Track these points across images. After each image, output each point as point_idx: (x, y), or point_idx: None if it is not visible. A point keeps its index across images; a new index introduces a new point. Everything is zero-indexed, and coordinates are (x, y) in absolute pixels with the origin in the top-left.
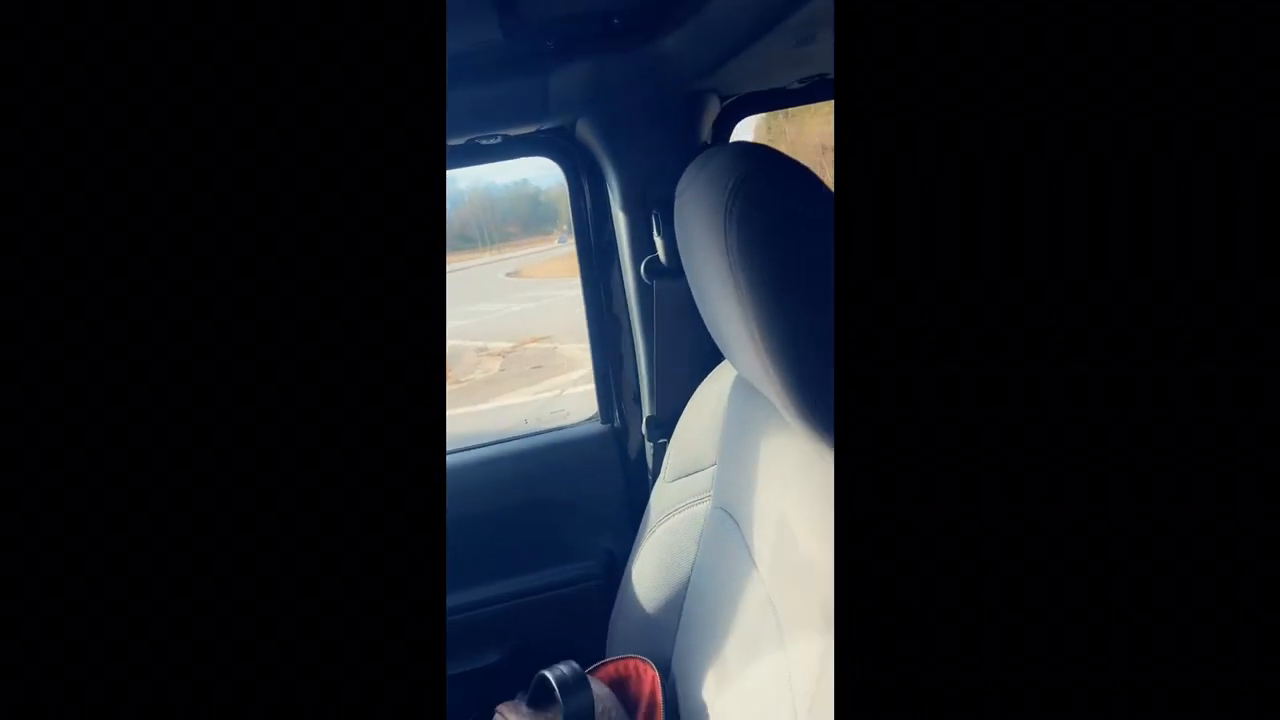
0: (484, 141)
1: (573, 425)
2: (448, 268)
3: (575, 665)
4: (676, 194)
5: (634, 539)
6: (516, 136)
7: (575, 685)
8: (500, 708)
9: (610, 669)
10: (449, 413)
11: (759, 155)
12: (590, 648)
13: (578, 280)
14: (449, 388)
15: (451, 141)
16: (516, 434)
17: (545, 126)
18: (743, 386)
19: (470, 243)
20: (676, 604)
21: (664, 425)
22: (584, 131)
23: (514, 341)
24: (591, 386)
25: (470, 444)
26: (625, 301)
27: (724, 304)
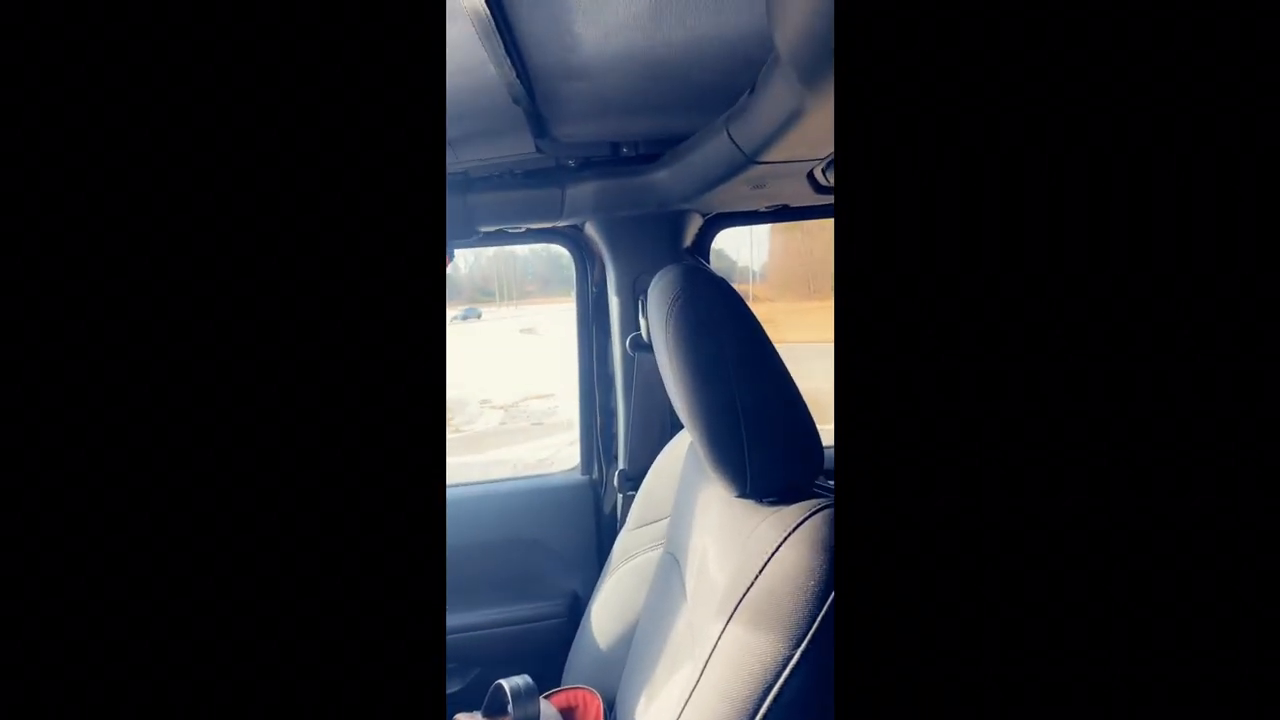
0: (511, 230)
1: (556, 474)
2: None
3: (529, 679)
4: (648, 293)
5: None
6: (538, 229)
7: (525, 696)
8: (458, 716)
9: (562, 696)
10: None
11: (691, 280)
12: (548, 678)
13: None
14: (452, 435)
15: (485, 229)
16: (504, 476)
17: (561, 224)
18: (694, 448)
19: (489, 296)
20: (627, 640)
21: (634, 479)
22: (591, 230)
23: (517, 397)
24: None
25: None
26: (613, 369)
27: (672, 383)
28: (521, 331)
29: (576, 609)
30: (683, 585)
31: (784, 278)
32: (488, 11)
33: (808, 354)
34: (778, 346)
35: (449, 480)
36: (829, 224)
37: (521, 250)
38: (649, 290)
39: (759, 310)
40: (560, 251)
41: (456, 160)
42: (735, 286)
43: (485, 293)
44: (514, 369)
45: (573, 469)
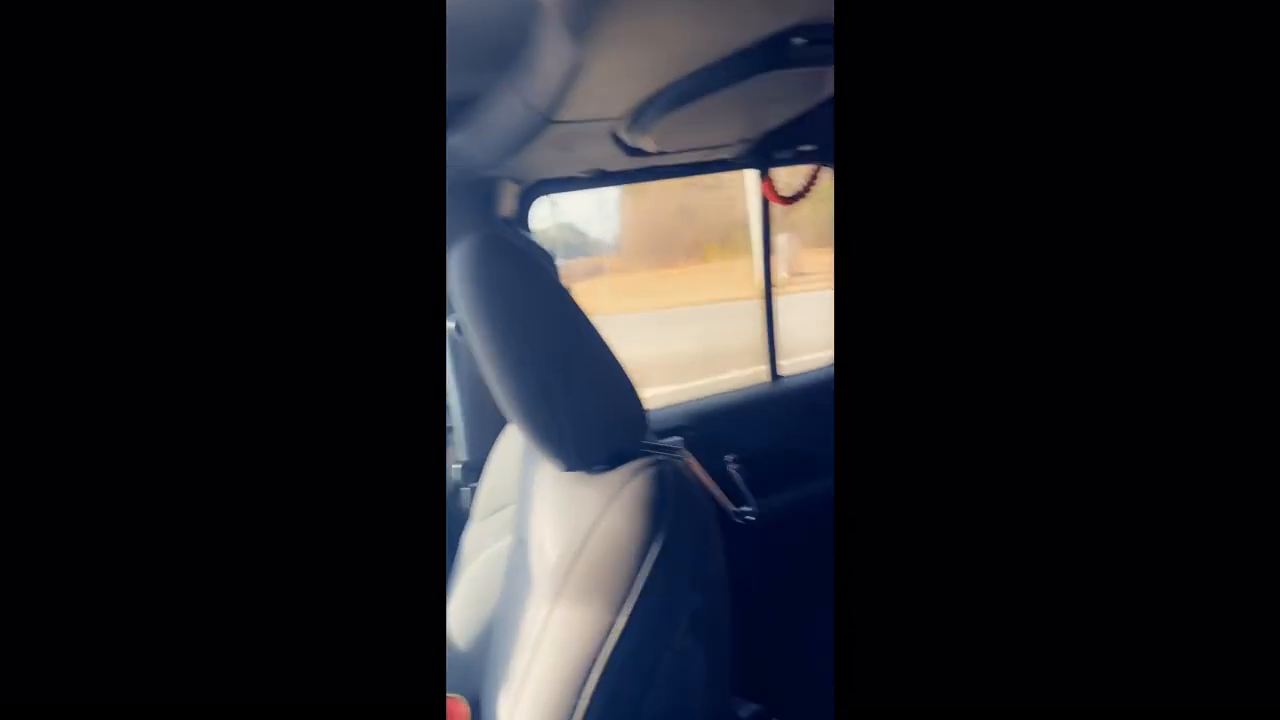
0: None
1: None
2: None
3: None
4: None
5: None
6: None
7: None
8: None
9: None
10: None
11: (489, 251)
12: None
13: None
14: None
15: None
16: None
17: None
18: None
19: None
20: (487, 636)
21: (475, 469)
22: None
23: None
24: None
25: None
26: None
27: (482, 363)
28: None
29: None
30: (529, 569)
31: (638, 246)
32: None
33: (672, 319)
34: (640, 314)
35: None
36: (672, 194)
37: None
38: (448, 267)
39: (618, 281)
40: None
41: None
42: (590, 259)
43: None
44: None
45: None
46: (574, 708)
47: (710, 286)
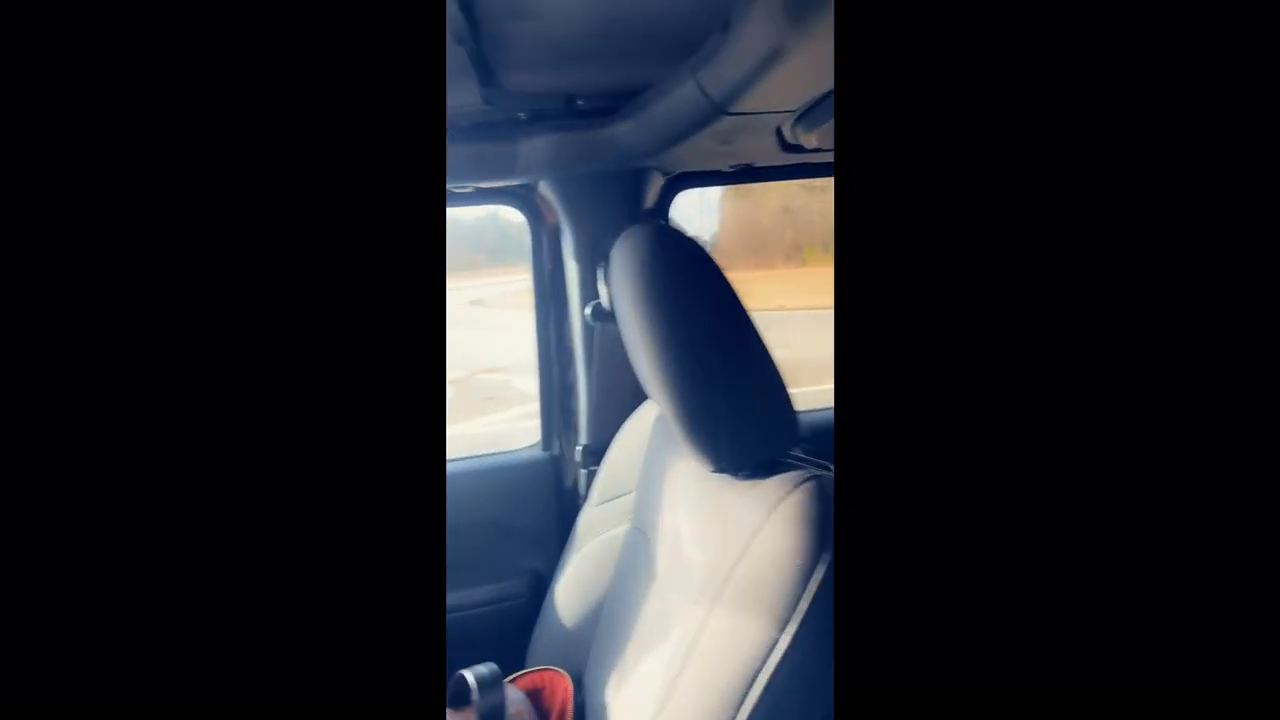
0: (457, 190)
1: (514, 451)
2: None
3: (494, 666)
4: (611, 257)
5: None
6: (487, 188)
7: (490, 684)
8: None
9: (528, 679)
10: None
11: (661, 241)
12: (512, 662)
13: None
14: None
15: None
16: (460, 455)
17: (513, 183)
18: (662, 420)
19: None
20: (593, 618)
21: (596, 453)
22: (545, 190)
23: (468, 371)
24: (536, 422)
25: None
26: (571, 340)
27: (640, 352)
28: (470, 304)
29: (539, 588)
30: (652, 563)
31: (733, 246)
32: None
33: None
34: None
35: None
36: (778, 194)
37: (467, 218)
38: (613, 254)
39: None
40: (510, 219)
41: None
42: None
43: None
44: (463, 343)
45: (532, 445)
46: None
47: (809, 292)
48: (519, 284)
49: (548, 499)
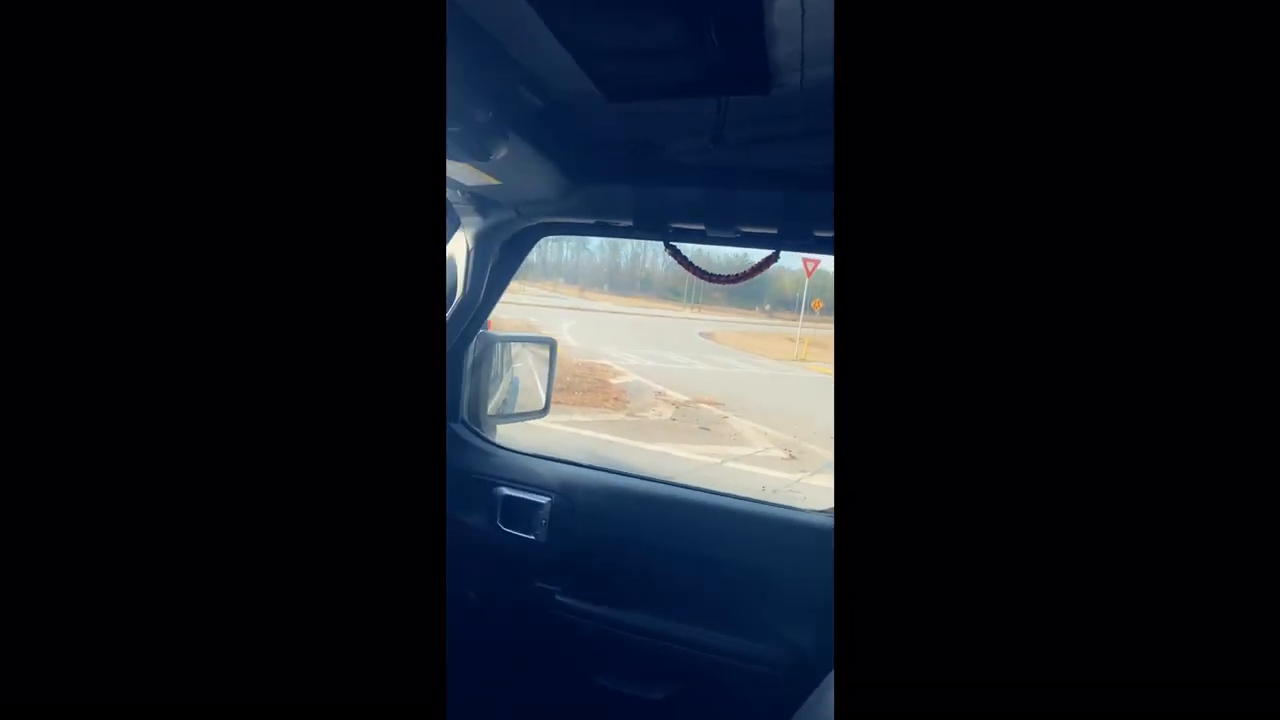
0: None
1: (808, 511)
2: (654, 313)
3: None
4: None
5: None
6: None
7: None
8: None
9: None
10: (619, 434)
11: None
12: None
13: (765, 359)
14: (626, 417)
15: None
16: (756, 498)
17: None
18: None
19: (677, 296)
20: None
21: None
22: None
23: (690, 396)
24: (755, 469)
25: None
26: None
27: None
28: (700, 335)
29: (801, 669)
30: None
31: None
32: None
33: None
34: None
35: (643, 468)
36: None
37: (718, 257)
38: None
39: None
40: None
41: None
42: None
43: (674, 292)
44: (690, 371)
45: (825, 511)
46: None
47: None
48: (748, 325)
49: (826, 572)
